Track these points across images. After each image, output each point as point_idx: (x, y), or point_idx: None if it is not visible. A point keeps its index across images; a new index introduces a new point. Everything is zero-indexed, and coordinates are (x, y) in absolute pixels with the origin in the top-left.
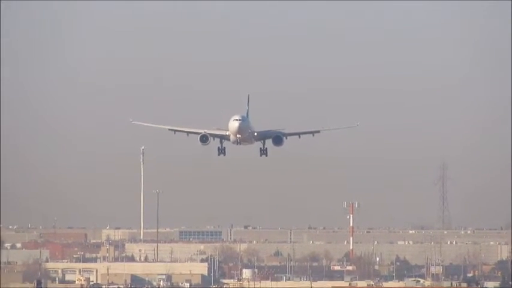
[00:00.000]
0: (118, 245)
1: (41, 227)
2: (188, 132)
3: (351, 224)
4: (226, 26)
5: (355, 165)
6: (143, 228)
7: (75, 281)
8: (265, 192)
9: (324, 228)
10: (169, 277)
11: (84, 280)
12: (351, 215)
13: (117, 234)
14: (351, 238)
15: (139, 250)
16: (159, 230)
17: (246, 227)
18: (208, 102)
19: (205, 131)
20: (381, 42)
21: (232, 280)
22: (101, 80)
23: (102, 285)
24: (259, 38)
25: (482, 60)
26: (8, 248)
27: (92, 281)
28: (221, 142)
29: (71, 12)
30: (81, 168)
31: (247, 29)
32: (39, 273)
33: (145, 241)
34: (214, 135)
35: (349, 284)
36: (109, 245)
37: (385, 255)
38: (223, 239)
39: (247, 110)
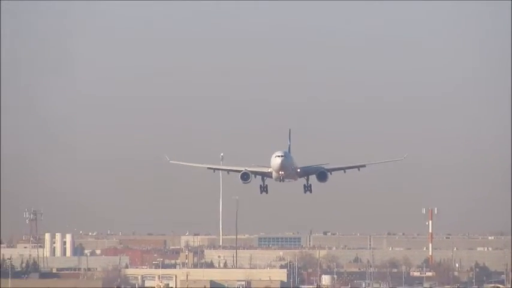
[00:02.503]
0: (197, 251)
1: (120, 234)
2: (228, 171)
3: (430, 230)
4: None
5: (434, 170)
6: (222, 235)
7: (154, 287)
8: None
9: (404, 234)
10: (248, 283)
11: (164, 286)
12: (430, 221)
13: (196, 241)
14: (430, 244)
15: (219, 256)
16: (238, 237)
17: (325, 233)
18: (247, 138)
19: (246, 168)
20: (381, 40)
21: (311, 286)
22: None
23: None
24: (296, 74)
25: (482, 61)
26: (88, 254)
27: (171, 287)
28: (263, 180)
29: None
30: (160, 176)
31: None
32: (118, 280)
33: (224, 247)
34: (256, 173)
35: None
36: (188, 251)
37: (465, 261)
38: (302, 245)
39: (289, 145)
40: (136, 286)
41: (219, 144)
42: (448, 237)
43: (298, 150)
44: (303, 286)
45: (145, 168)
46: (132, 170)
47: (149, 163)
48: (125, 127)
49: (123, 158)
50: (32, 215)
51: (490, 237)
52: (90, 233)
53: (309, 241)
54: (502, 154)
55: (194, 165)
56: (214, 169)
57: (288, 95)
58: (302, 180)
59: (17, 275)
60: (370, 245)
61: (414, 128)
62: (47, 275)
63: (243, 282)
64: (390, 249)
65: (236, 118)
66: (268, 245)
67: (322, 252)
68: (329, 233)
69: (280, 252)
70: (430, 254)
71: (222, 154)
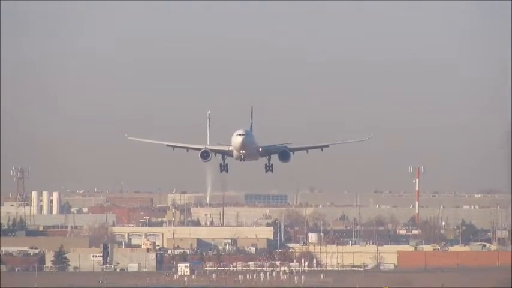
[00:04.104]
0: (184, 209)
1: (107, 192)
2: (188, 148)
3: (417, 188)
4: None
5: (421, 129)
6: (209, 192)
7: (141, 245)
8: (332, 156)
9: (390, 192)
10: (235, 241)
11: (150, 244)
12: (417, 179)
13: (183, 199)
14: (417, 202)
15: (205, 214)
16: (225, 193)
17: (311, 190)
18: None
19: (207, 146)
20: (381, 40)
21: (297, 244)
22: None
23: (168, 249)
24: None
25: (482, 61)
26: (75, 212)
27: (158, 245)
28: (223, 158)
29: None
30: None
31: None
32: (105, 238)
33: (211, 205)
34: (216, 151)
35: (415, 248)
36: (175, 209)
37: (451, 219)
38: (288, 203)
39: (251, 124)
40: (123, 244)
41: (180, 119)
42: (435, 196)
43: (260, 128)
44: (289, 244)
45: (132, 125)
46: (118, 127)
47: (135, 121)
48: (113, 86)
49: (111, 116)
50: (18, 173)
51: (476, 196)
52: (77, 191)
53: (296, 198)
54: (489, 113)
55: (153, 142)
56: (174, 146)
57: (251, 73)
58: (264, 160)
59: (3, 233)
60: (356, 202)
61: (401, 89)
62: (33, 232)
63: (230, 240)
64: (377, 207)
65: (198, 96)
66: (255, 203)
67: (309, 210)
68: (316, 190)
69: (267, 210)
70: (417, 212)
71: (209, 112)
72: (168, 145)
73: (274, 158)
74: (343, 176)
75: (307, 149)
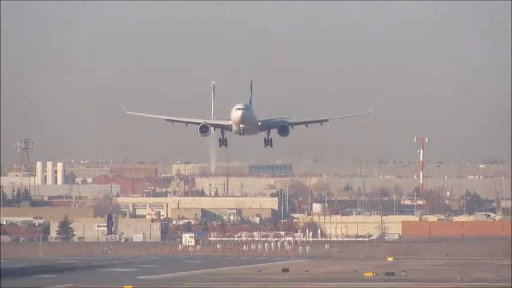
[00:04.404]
0: (188, 180)
1: (111, 162)
2: (187, 123)
3: (421, 159)
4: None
5: (425, 99)
6: (213, 163)
7: (145, 216)
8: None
9: (394, 162)
10: (239, 211)
11: (155, 214)
12: (421, 150)
13: (187, 169)
14: (421, 172)
15: (210, 184)
16: (229, 164)
17: (315, 161)
18: (207, 91)
19: (206, 121)
20: (381, 40)
21: (302, 215)
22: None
23: (173, 219)
24: (259, 25)
25: (482, 61)
26: (79, 182)
27: (163, 216)
28: (222, 133)
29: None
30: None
31: (246, 16)
32: (110, 208)
33: (215, 175)
34: (215, 126)
35: (420, 219)
36: (179, 179)
37: (455, 189)
38: (293, 173)
39: (250, 98)
40: (128, 214)
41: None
42: (439, 166)
43: (259, 103)
44: (294, 214)
45: (136, 96)
46: (123, 98)
47: (140, 91)
48: (117, 56)
49: (115, 86)
50: (23, 144)
51: (481, 166)
52: (81, 162)
53: (300, 169)
54: (493, 82)
55: (152, 116)
56: (173, 121)
57: (251, 47)
58: (263, 134)
59: (8, 203)
60: (361, 172)
61: (405, 56)
62: (38, 203)
63: (234, 211)
64: (381, 177)
65: (198, 70)
66: (259, 173)
67: (313, 180)
68: (320, 161)
69: (271, 180)
70: (421, 182)
71: (213, 83)
72: (166, 119)
73: (274, 133)
74: (347, 146)
75: (306, 123)
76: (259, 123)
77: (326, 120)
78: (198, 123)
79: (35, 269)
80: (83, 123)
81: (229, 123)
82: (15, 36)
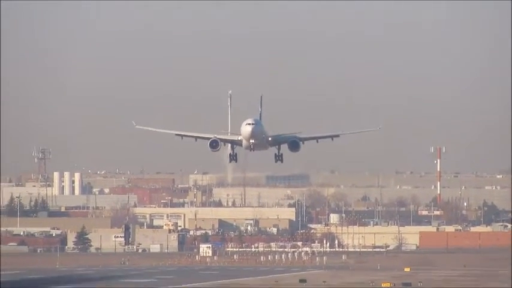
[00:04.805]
0: (205, 190)
1: (129, 172)
2: (197, 137)
3: (438, 169)
4: (236, 25)
5: (443, 109)
6: (230, 173)
7: (163, 226)
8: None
9: (412, 172)
10: (256, 222)
11: (172, 225)
12: (439, 160)
13: (204, 179)
14: (438, 183)
15: (227, 195)
16: (246, 175)
17: (332, 172)
18: (217, 106)
19: (216, 136)
20: (382, 40)
21: (319, 225)
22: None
23: (190, 230)
24: (269, 38)
25: (482, 61)
26: (97, 193)
27: (180, 226)
28: (232, 148)
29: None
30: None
31: (256, 28)
32: (127, 218)
33: (232, 186)
34: (225, 141)
35: (437, 229)
36: (196, 190)
37: (473, 200)
38: (310, 183)
39: (260, 113)
40: (145, 225)
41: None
42: (456, 176)
43: (269, 118)
44: (311, 225)
45: (154, 106)
46: (141, 108)
47: (157, 101)
48: (133, 66)
49: (132, 97)
50: (40, 154)
51: (498, 176)
52: (98, 172)
53: (317, 179)
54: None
55: (161, 131)
56: (183, 136)
57: (261, 62)
58: (273, 150)
59: (25, 213)
60: (378, 183)
61: (422, 68)
62: (55, 213)
63: (251, 221)
64: (398, 187)
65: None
66: (276, 184)
67: (330, 191)
68: (337, 172)
69: (288, 191)
70: (438, 192)
71: (230, 92)
72: (176, 134)
73: (284, 148)
74: (364, 157)
75: (317, 138)
76: (270, 139)
77: (337, 136)
78: (208, 138)
79: (52, 279)
80: (99, 134)
81: (239, 139)
82: (15, 36)
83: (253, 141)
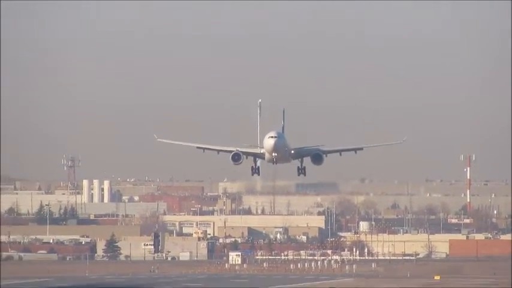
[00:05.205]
0: (235, 198)
1: (158, 180)
2: (218, 151)
3: (468, 177)
4: (258, 34)
5: (472, 116)
6: (260, 181)
7: (192, 234)
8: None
9: (441, 180)
10: (286, 230)
11: (202, 233)
12: (468, 168)
13: (233, 187)
14: (468, 191)
15: (256, 202)
16: (275, 183)
17: (362, 180)
18: (238, 118)
19: (238, 149)
20: (384, 41)
21: (349, 233)
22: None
23: (219, 237)
24: (291, 48)
25: (482, 61)
26: (126, 201)
27: (209, 234)
28: (255, 161)
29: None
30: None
31: (278, 38)
32: (156, 226)
33: (261, 193)
34: (247, 154)
35: (467, 237)
36: (226, 197)
37: (503, 208)
38: (339, 192)
39: (283, 126)
40: (174, 233)
41: (210, 122)
42: (486, 184)
43: (292, 130)
44: (340, 233)
45: (183, 112)
46: (169, 114)
47: (187, 108)
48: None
49: (161, 103)
50: (69, 162)
51: None
52: (127, 180)
53: (347, 187)
54: None
55: (183, 143)
56: (204, 149)
57: (285, 75)
58: (296, 162)
59: (55, 221)
60: (408, 191)
61: (450, 73)
62: (84, 221)
63: (281, 229)
64: (428, 195)
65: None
66: (306, 192)
67: (360, 199)
68: (366, 180)
69: (318, 198)
70: (468, 200)
71: (259, 101)
72: (198, 147)
73: (307, 161)
74: (393, 165)
75: (340, 151)
76: (292, 152)
77: (361, 149)
78: (230, 152)
79: None
80: (128, 141)
81: (261, 152)
82: (16, 36)
83: (275, 154)
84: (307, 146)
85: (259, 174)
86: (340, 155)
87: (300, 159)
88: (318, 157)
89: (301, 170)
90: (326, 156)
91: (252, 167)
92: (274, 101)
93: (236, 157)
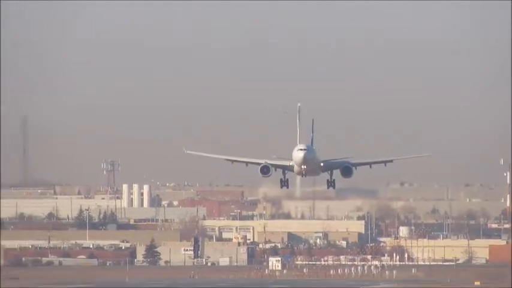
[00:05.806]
0: (275, 202)
1: (197, 185)
2: (247, 163)
3: (508, 181)
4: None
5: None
6: (299, 186)
7: (232, 239)
8: (421, 150)
9: (481, 185)
10: (325, 235)
11: (241, 238)
12: (508, 172)
13: (273, 191)
14: (508, 195)
15: (296, 207)
16: (315, 188)
17: (402, 184)
18: (267, 130)
19: (267, 161)
20: (384, 42)
21: (389, 238)
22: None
23: (259, 243)
24: (316, 57)
25: (482, 61)
26: (166, 205)
27: (249, 239)
28: (284, 173)
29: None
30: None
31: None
32: (196, 231)
33: (301, 198)
34: (277, 166)
35: (507, 242)
36: (266, 202)
37: None
38: (379, 197)
39: (312, 138)
40: (214, 238)
41: (237, 135)
42: None
43: (321, 142)
44: (380, 238)
45: (222, 115)
46: (208, 118)
47: (225, 110)
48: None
49: (199, 106)
50: (109, 166)
51: None
52: (167, 184)
53: (387, 192)
54: None
55: (212, 156)
56: (233, 161)
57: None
58: (325, 175)
59: (94, 226)
60: (447, 196)
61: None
62: (124, 226)
63: (321, 234)
64: (468, 200)
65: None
66: (345, 196)
67: (400, 204)
68: (406, 184)
69: (358, 202)
70: (508, 205)
71: (299, 105)
72: (226, 159)
73: (337, 173)
74: (433, 169)
75: (370, 164)
76: (322, 164)
77: (390, 161)
78: (258, 164)
79: None
80: (168, 145)
81: (290, 164)
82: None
83: (305, 167)
84: (336, 159)
85: (288, 187)
86: (370, 167)
87: (329, 172)
88: (347, 170)
89: (331, 183)
90: (355, 168)
91: (281, 179)
92: (304, 112)
93: (265, 169)
